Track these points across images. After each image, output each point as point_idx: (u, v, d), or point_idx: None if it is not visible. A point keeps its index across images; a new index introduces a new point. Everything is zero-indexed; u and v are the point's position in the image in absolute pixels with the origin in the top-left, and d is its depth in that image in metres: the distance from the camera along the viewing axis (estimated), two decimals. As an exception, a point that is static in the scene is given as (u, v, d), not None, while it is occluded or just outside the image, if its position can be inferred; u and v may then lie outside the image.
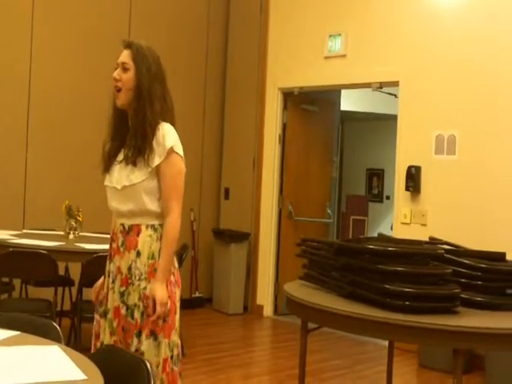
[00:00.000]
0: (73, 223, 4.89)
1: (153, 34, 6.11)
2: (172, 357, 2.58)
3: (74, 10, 6.18)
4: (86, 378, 1.74)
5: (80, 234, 4.88)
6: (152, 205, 2.58)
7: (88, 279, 4.39)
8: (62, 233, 4.91)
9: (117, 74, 2.62)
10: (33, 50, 5.91)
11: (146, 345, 2.52)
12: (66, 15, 6.13)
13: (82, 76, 6.22)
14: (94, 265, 4.21)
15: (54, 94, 6.06)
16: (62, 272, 4.96)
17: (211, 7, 7.29)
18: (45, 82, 6.00)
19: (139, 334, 2.54)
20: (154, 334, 2.54)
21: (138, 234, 2.60)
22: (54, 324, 2.31)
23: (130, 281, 2.59)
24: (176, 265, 2.68)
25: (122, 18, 6.48)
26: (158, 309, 2.50)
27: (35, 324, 2.33)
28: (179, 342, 2.64)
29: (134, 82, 2.59)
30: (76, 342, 4.40)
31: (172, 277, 2.62)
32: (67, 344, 4.24)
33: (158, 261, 2.58)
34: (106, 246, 4.33)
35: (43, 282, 4.86)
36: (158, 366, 2.53)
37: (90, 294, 4.48)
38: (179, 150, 2.60)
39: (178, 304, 2.63)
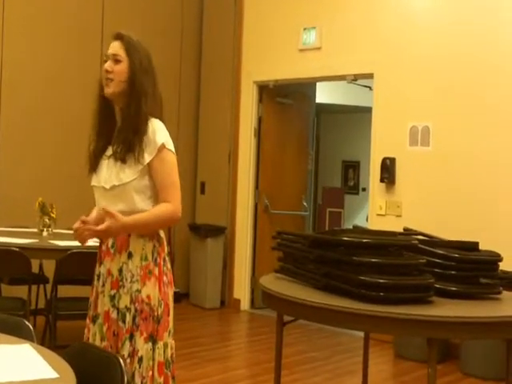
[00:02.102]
0: (46, 220, 4.83)
1: (126, 27, 6.03)
2: (166, 359, 2.51)
3: (46, 2, 6.10)
4: (57, 376, 1.71)
5: (54, 230, 4.82)
6: (143, 204, 2.50)
7: (62, 276, 4.36)
8: (36, 230, 4.86)
9: (108, 66, 2.53)
10: (4, 43, 5.81)
11: (145, 350, 2.45)
12: (38, 6, 6.04)
13: (54, 70, 6.14)
14: (68, 262, 4.18)
15: (26, 89, 5.97)
16: (36, 269, 4.90)
17: (185, 0, 7.24)
18: (16, 75, 5.91)
19: (131, 338, 2.47)
20: (152, 338, 2.47)
21: (129, 235, 2.51)
22: (26, 322, 2.27)
23: (120, 283, 2.50)
24: (169, 265, 2.61)
25: (95, 9, 6.40)
26: (102, 226, 2.41)
27: (7, 322, 2.29)
28: (173, 343, 2.57)
29: (126, 74, 2.51)
30: (51, 339, 4.35)
31: (165, 277, 2.55)
32: (42, 342, 4.23)
33: (152, 262, 2.51)
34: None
35: (17, 280, 4.79)
36: (154, 370, 2.46)
37: (64, 291, 4.47)
38: (171, 146, 2.53)
39: (171, 305, 2.57)
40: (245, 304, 6.88)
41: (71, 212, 5.41)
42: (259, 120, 6.94)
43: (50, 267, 4.79)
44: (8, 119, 5.86)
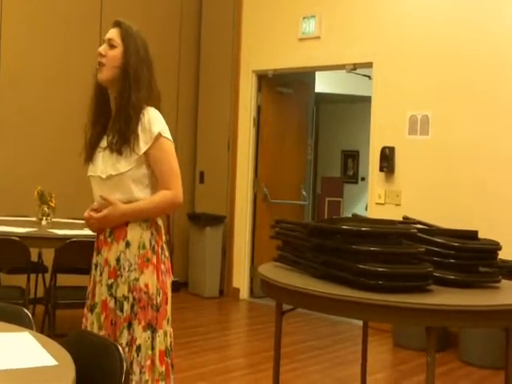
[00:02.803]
0: (45, 209, 4.82)
1: (125, 15, 6.00)
2: (166, 347, 2.52)
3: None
4: (56, 363, 1.71)
5: (53, 219, 4.82)
6: (140, 193, 2.49)
7: (61, 265, 4.36)
8: (35, 219, 4.85)
9: (102, 49, 2.53)
10: (2, 34, 5.79)
11: (144, 338, 2.46)
12: (37, 1, 6.01)
13: (53, 62, 6.12)
14: (67, 251, 4.18)
15: (25, 81, 5.95)
16: (35, 258, 4.90)
17: (183, -11, 7.21)
18: (15, 68, 5.89)
19: (129, 327, 2.47)
20: (151, 327, 2.48)
21: (126, 224, 2.50)
22: (26, 310, 2.27)
23: (118, 272, 2.50)
24: (167, 253, 2.60)
25: (94, 1, 6.36)
26: (100, 213, 2.46)
27: (6, 311, 2.29)
28: (172, 331, 2.58)
29: (120, 60, 2.50)
30: (50, 328, 4.36)
31: (162, 265, 2.56)
32: (41, 330, 4.23)
33: (150, 250, 2.51)
34: (79, 232, 4.34)
35: (16, 269, 4.79)
36: (155, 359, 2.47)
37: (63, 280, 4.48)
38: (167, 134, 2.52)
39: (169, 293, 2.58)
40: (244, 293, 6.89)
41: (70, 201, 5.44)
42: (258, 109, 6.92)
43: (49, 256, 4.78)
44: (6, 110, 5.84)
